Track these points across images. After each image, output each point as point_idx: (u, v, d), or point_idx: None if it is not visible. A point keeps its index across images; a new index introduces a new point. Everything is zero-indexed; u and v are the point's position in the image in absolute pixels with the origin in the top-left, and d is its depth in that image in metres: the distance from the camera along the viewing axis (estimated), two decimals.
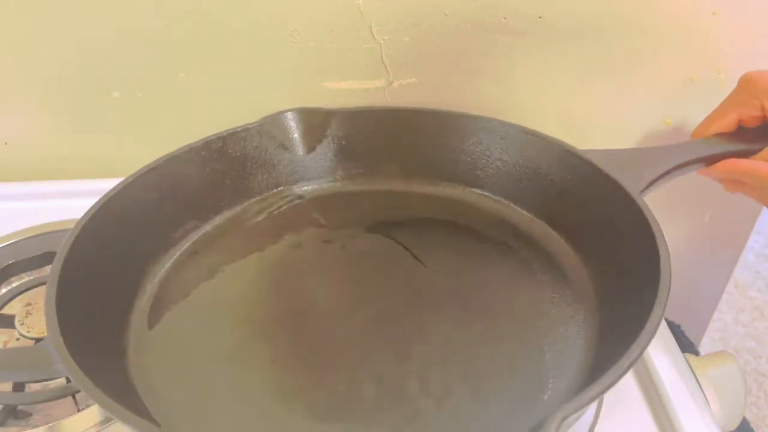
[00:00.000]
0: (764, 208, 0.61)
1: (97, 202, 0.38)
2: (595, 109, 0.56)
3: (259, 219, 0.46)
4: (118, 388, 0.34)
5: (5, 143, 0.54)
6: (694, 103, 0.55)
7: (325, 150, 0.48)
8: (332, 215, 0.47)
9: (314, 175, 0.49)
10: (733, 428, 0.44)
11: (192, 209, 0.44)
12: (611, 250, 0.40)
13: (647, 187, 0.40)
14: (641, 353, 0.30)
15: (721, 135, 0.46)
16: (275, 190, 0.48)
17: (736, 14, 0.51)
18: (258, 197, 0.47)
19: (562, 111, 0.56)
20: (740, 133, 0.46)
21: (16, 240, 0.46)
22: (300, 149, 0.48)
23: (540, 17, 0.49)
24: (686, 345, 0.59)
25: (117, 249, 0.39)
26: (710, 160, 0.44)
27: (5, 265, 0.38)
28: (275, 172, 0.48)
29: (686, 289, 0.71)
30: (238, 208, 0.47)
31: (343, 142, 0.48)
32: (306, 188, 0.49)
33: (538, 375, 0.35)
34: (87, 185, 0.52)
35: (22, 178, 0.54)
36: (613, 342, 0.35)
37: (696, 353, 0.52)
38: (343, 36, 0.49)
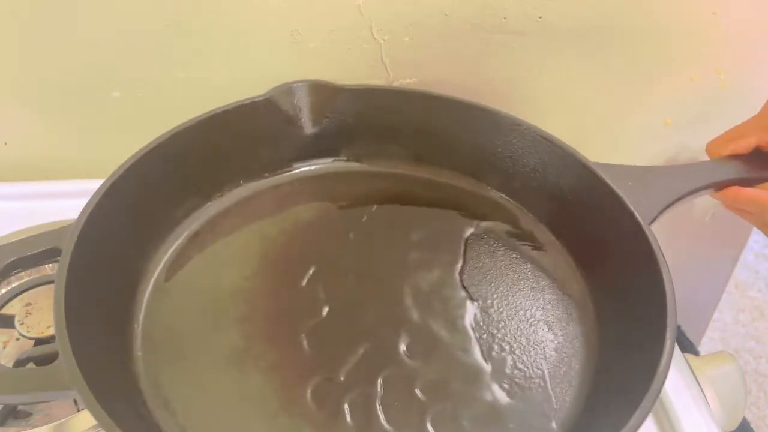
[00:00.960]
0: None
1: (101, 187, 0.37)
2: (594, 108, 0.56)
3: (262, 197, 0.46)
4: (124, 391, 0.33)
5: (5, 143, 0.54)
6: (694, 103, 0.55)
7: (332, 127, 0.47)
8: (336, 196, 0.46)
9: (319, 154, 0.48)
10: (733, 428, 0.44)
11: (196, 186, 0.43)
12: (613, 274, 0.39)
13: (658, 216, 0.40)
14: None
15: (735, 157, 0.45)
16: (279, 168, 0.47)
17: (736, 14, 0.51)
18: (261, 175, 0.46)
19: (561, 111, 0.56)
20: (755, 157, 0.45)
21: (17, 239, 0.46)
22: (306, 125, 0.46)
23: (540, 17, 0.49)
24: (686, 345, 0.59)
25: (122, 236, 0.38)
26: (722, 186, 0.44)
27: (8, 262, 0.38)
28: (280, 148, 0.46)
29: (686, 289, 0.71)
30: (241, 185, 0.46)
31: (350, 120, 0.47)
32: (311, 167, 0.48)
33: (542, 395, 0.35)
34: (87, 185, 0.51)
35: (22, 178, 0.54)
36: (613, 370, 0.36)
37: (696, 353, 0.52)
38: (343, 36, 0.49)
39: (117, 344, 0.36)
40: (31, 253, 0.38)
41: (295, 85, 0.45)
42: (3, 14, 0.47)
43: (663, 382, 0.31)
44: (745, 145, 0.45)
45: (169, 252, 0.41)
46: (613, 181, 0.40)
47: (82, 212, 0.36)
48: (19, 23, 0.48)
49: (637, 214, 0.38)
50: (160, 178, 0.41)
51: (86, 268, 0.35)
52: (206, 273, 0.41)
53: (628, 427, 0.29)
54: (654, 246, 0.36)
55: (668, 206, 0.41)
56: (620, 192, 0.39)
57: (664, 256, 0.36)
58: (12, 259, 0.39)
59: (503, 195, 0.46)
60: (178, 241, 0.42)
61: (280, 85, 0.45)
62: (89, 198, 0.37)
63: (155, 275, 0.40)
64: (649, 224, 0.38)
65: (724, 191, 0.44)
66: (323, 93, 0.46)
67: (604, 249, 0.40)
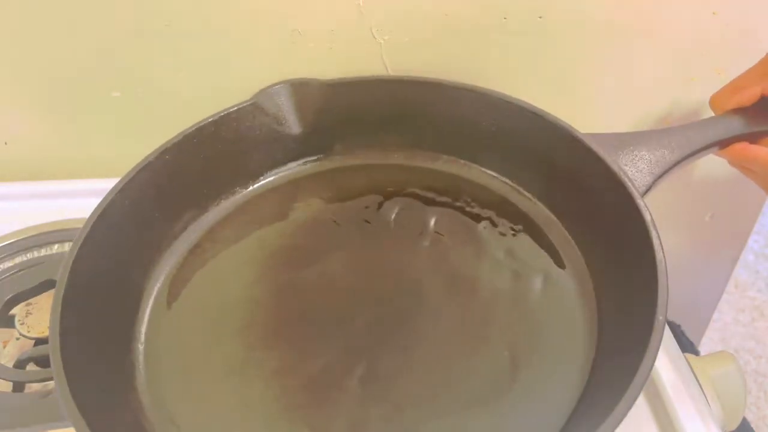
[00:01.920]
0: (764, 208, 0.61)
1: (93, 212, 0.37)
2: (595, 109, 0.56)
3: (259, 202, 0.45)
4: (126, 409, 0.34)
5: (5, 143, 0.54)
6: (694, 103, 0.55)
7: (321, 124, 0.46)
8: (334, 191, 0.46)
9: (312, 151, 0.47)
10: (733, 428, 0.44)
11: (191, 199, 0.43)
12: (610, 249, 0.39)
13: (654, 183, 0.39)
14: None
15: (739, 110, 0.43)
16: (274, 170, 0.47)
17: (736, 14, 0.51)
18: (256, 179, 0.46)
19: (561, 111, 0.56)
20: (759, 108, 0.43)
21: (17, 239, 0.47)
22: (294, 125, 0.46)
23: (540, 17, 0.49)
24: (686, 345, 0.59)
25: (120, 258, 0.38)
26: (726, 143, 0.41)
27: (7, 298, 0.39)
28: (272, 151, 0.46)
29: (686, 289, 0.71)
30: (237, 192, 0.46)
31: (339, 115, 0.46)
32: (305, 165, 0.47)
33: (535, 387, 0.35)
34: (87, 185, 0.52)
35: (22, 178, 0.54)
36: (611, 345, 0.35)
37: (696, 353, 0.52)
38: (343, 36, 0.49)
39: (120, 363, 0.36)
40: (29, 287, 0.38)
41: (277, 86, 0.45)
42: (3, 14, 0.47)
43: (654, 357, 0.30)
44: (751, 95, 0.43)
45: (170, 267, 0.41)
46: (604, 150, 0.39)
47: (75, 241, 0.35)
48: (18, 23, 0.48)
49: (629, 184, 0.37)
50: (154, 196, 0.41)
51: (83, 294, 0.34)
52: (208, 284, 0.41)
53: (615, 413, 0.29)
54: (645, 216, 0.35)
55: (666, 171, 0.39)
56: (611, 162, 0.38)
57: (656, 229, 0.35)
58: (10, 296, 0.39)
59: (499, 176, 0.46)
60: (179, 256, 0.42)
61: (263, 89, 0.45)
62: (89, 202, 0.37)
63: (156, 292, 0.40)
64: (644, 193, 0.38)
65: (730, 148, 0.41)
66: (307, 91, 0.45)
67: (599, 221, 0.39)
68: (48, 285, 0.39)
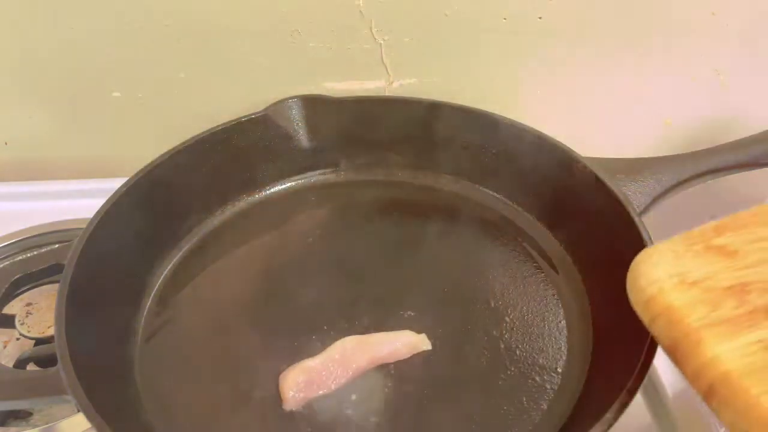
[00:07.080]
0: None
1: (106, 202, 0.38)
2: (595, 108, 0.56)
3: (264, 210, 0.46)
4: (123, 397, 0.34)
5: (5, 143, 0.54)
6: (694, 103, 0.55)
7: (329, 139, 0.48)
8: (338, 205, 0.47)
9: (318, 166, 0.48)
10: None
11: (198, 202, 0.44)
12: (606, 265, 0.39)
13: (651, 205, 0.40)
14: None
15: (732, 145, 0.43)
16: (280, 181, 0.48)
17: (736, 14, 0.51)
18: (263, 188, 0.47)
19: (562, 111, 0.56)
20: (754, 142, 0.43)
21: (17, 240, 0.47)
22: (304, 138, 0.47)
23: (540, 17, 0.49)
24: None
25: (124, 252, 0.39)
26: (716, 174, 0.43)
27: (13, 279, 0.39)
28: (280, 162, 0.47)
29: None
30: (243, 199, 0.47)
31: (347, 132, 0.48)
32: (311, 179, 0.48)
33: (533, 396, 0.35)
34: (87, 185, 0.52)
35: (22, 178, 0.54)
36: (607, 356, 0.36)
37: None
38: (343, 36, 0.49)
39: (119, 353, 0.37)
40: (35, 269, 0.39)
41: (290, 101, 0.46)
42: (3, 15, 0.47)
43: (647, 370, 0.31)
44: None
45: (172, 265, 0.42)
46: (604, 173, 0.40)
47: (85, 230, 0.37)
48: (19, 24, 0.48)
49: (626, 204, 0.38)
50: (162, 196, 0.42)
51: (88, 282, 0.35)
52: (209, 283, 0.41)
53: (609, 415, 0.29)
54: (643, 234, 0.36)
55: (661, 195, 0.40)
56: (610, 184, 0.39)
57: (652, 243, 0.36)
58: (17, 277, 0.39)
59: (500, 196, 0.47)
60: (182, 255, 0.43)
61: (276, 102, 0.46)
62: (89, 202, 0.38)
63: (158, 288, 0.41)
64: (641, 213, 0.39)
65: None
66: (318, 106, 0.47)
67: (597, 238, 0.40)
68: (55, 269, 0.40)
